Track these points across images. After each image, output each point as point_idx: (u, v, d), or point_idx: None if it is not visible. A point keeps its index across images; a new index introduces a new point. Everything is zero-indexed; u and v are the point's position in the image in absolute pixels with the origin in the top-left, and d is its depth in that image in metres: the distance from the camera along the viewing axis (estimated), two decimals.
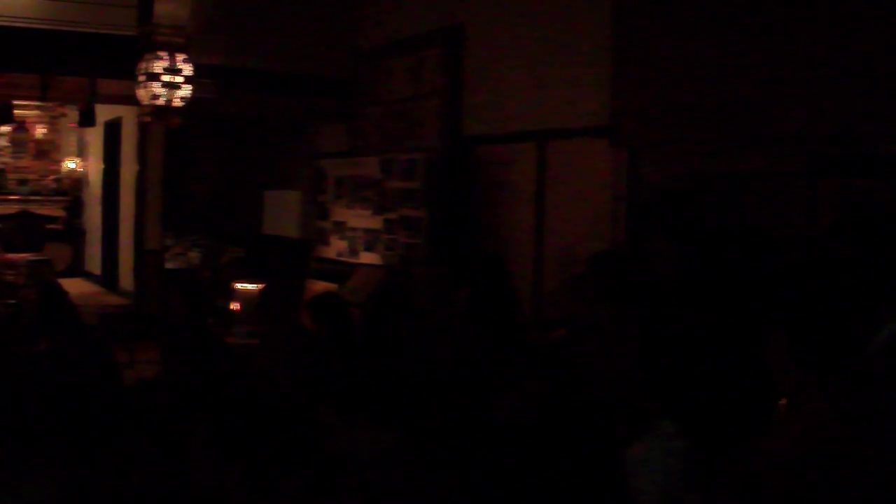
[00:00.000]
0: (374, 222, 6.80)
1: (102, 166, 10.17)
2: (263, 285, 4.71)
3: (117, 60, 6.70)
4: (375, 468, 2.46)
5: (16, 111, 7.81)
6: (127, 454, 2.71)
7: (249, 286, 6.66)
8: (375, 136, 7.41)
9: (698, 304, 4.10)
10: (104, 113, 8.42)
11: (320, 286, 6.57)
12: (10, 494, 2.44)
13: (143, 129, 7.39)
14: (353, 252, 7.01)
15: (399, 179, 6.56)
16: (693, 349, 2.15)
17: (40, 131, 10.99)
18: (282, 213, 8.47)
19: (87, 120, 7.79)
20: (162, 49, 6.50)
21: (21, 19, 6.69)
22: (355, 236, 7.01)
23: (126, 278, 8.67)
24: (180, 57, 6.51)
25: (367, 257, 6.84)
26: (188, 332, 4.36)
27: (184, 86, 6.50)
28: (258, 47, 7.22)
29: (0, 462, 2.51)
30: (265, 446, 2.48)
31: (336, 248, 7.22)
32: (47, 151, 11.07)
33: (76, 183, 11.15)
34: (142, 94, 6.57)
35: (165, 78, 6.41)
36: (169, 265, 7.82)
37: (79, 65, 6.86)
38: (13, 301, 6.76)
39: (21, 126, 10.37)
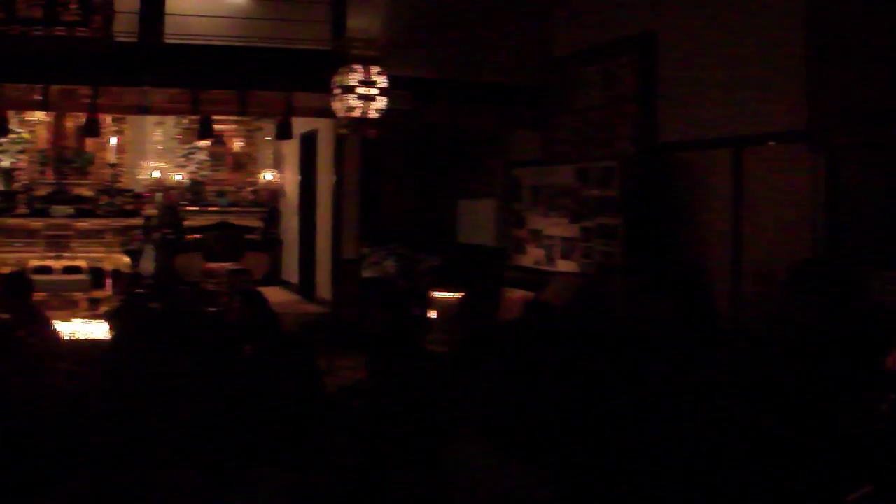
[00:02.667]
0: (571, 230, 9.28)
1: (299, 178, 13.72)
2: (462, 294, 6.66)
3: (313, 74, 9.85)
4: None
5: (214, 126, 11.26)
6: (333, 459, 3.82)
7: (447, 295, 9.46)
8: (569, 143, 10.05)
9: None
10: (300, 125, 11.53)
11: (516, 295, 9.19)
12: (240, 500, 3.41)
13: (340, 141, 10.54)
14: (550, 260, 9.58)
15: (595, 187, 8.96)
16: None
17: (238, 144, 15.06)
18: (477, 222, 11.33)
19: (284, 133, 10.80)
20: (356, 62, 9.46)
21: (219, 38, 10.16)
22: (552, 244, 9.60)
23: (323, 287, 11.87)
24: (374, 69, 9.44)
25: (563, 265, 9.32)
26: (388, 340, 5.71)
27: (378, 97, 9.42)
28: (451, 58, 10.12)
29: (226, 468, 3.58)
30: None
31: (533, 256, 9.88)
32: (245, 164, 15.13)
33: (273, 194, 15.05)
34: (337, 106, 9.56)
35: (360, 90, 9.37)
36: (366, 274, 10.83)
37: (275, 80, 10.18)
38: (215, 309, 9.98)
39: (219, 140, 14.22)
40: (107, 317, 6.42)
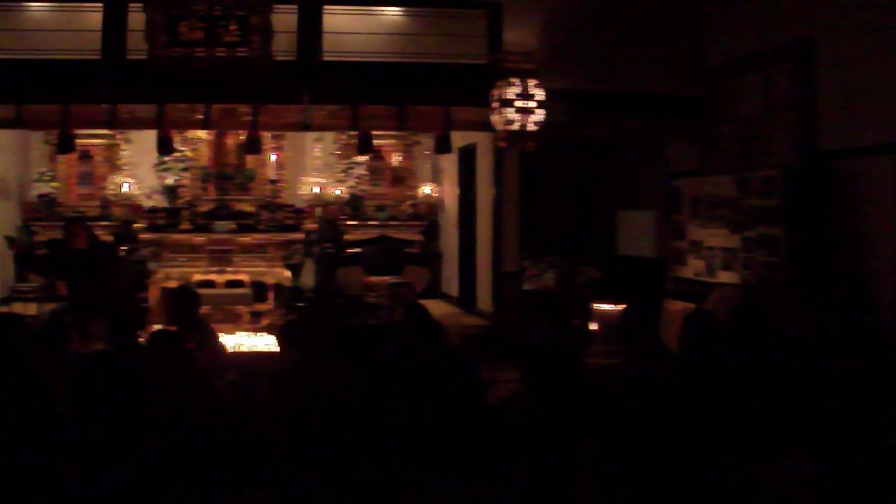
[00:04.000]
0: (732, 241, 10.49)
1: (458, 191, 15.40)
2: (625, 306, 7.30)
3: (470, 88, 11.52)
4: None
5: (373, 140, 12.74)
6: (503, 470, 4.25)
7: (608, 307, 10.80)
8: (728, 153, 11.36)
9: None
10: (458, 139, 13.08)
11: (677, 307, 10.41)
12: None
13: (498, 154, 11.99)
14: (711, 271, 10.85)
15: (756, 197, 10.12)
16: None
17: (396, 159, 17.01)
18: (636, 234, 12.69)
19: (442, 147, 12.40)
20: (513, 75, 11.07)
21: (377, 54, 11.87)
22: (712, 255, 10.86)
23: (483, 299, 13.37)
24: (532, 82, 11.05)
25: (725, 277, 10.54)
26: (549, 352, 6.33)
27: (537, 110, 11.01)
28: (607, 69, 11.61)
29: (405, 480, 4.05)
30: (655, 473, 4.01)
31: (693, 267, 11.20)
32: (403, 178, 17.04)
33: (432, 208, 16.88)
34: (496, 119, 11.21)
35: (518, 103, 10.98)
36: (526, 287, 12.23)
37: (433, 94, 11.81)
38: (375, 322, 11.54)
39: (378, 154, 16.08)
40: (280, 333, 7.21)
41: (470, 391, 5.55)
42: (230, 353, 9.56)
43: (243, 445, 5.28)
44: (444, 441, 4.39)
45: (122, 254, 14.54)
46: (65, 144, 12.51)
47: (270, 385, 6.30)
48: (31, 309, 13.03)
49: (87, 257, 11.29)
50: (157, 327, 8.50)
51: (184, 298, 8.63)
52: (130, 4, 11.60)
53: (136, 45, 11.53)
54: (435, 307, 10.58)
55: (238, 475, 4.97)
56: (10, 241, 15.76)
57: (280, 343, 7.15)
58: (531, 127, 11.18)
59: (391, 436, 4.76)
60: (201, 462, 4.93)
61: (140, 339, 7.66)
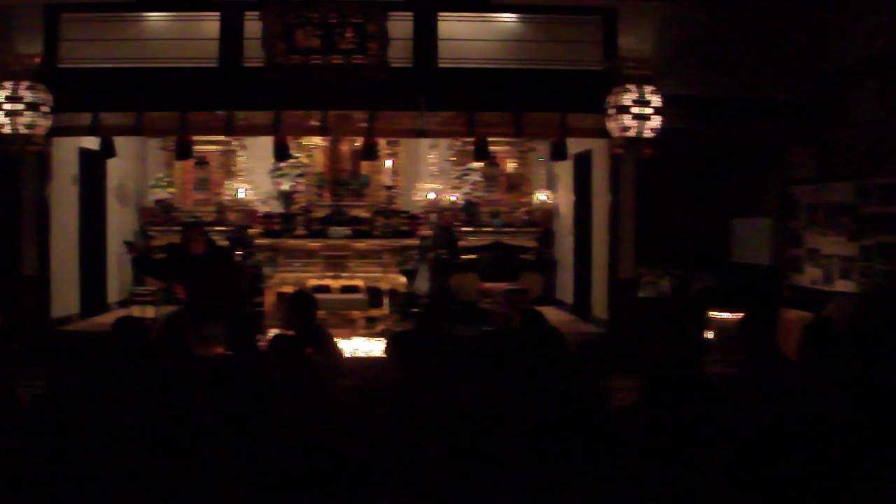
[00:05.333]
0: (850, 249, 10.75)
1: (573, 198, 15.83)
2: (742, 315, 7.78)
3: (586, 95, 11.89)
4: None
5: (490, 147, 13.25)
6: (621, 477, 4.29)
7: (724, 315, 11.04)
8: (846, 159, 11.53)
9: None
10: (574, 146, 13.37)
11: (794, 315, 10.62)
12: None
13: (615, 161, 12.31)
14: (829, 280, 11.13)
15: (875, 204, 10.39)
16: None
17: (511, 165, 17.54)
18: (751, 241, 13.00)
19: (558, 154, 12.75)
20: (629, 82, 11.44)
21: (492, 61, 12.34)
22: (830, 263, 11.13)
23: (599, 307, 13.69)
24: (648, 88, 11.39)
25: (842, 285, 10.80)
26: (666, 360, 6.17)
27: (653, 117, 11.35)
28: (723, 74, 11.93)
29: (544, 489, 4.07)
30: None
31: (810, 275, 11.49)
32: (518, 185, 17.56)
33: (547, 214, 17.33)
34: (612, 126, 11.56)
35: (635, 110, 11.33)
36: (642, 294, 12.53)
37: (549, 101, 12.24)
38: (490, 328, 11.67)
39: (493, 161, 16.49)
40: (395, 341, 7.32)
41: (590, 398, 5.73)
42: (346, 358, 9.80)
43: (365, 451, 5.25)
44: (567, 448, 4.42)
45: (238, 259, 15.21)
46: (183, 151, 13.20)
47: (395, 391, 6.33)
48: (149, 312, 13.74)
49: (205, 262, 11.81)
50: (274, 332, 8.74)
51: (302, 303, 8.93)
52: (247, 13, 12.26)
53: (253, 52, 12.21)
54: (550, 314, 10.88)
55: (360, 481, 4.94)
56: (129, 245, 16.62)
57: (394, 350, 7.32)
58: (647, 133, 11.50)
59: (521, 442, 4.71)
60: (323, 467, 4.90)
61: (258, 344, 7.94)
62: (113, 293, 16.24)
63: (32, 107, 11.60)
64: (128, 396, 5.48)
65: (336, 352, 8.66)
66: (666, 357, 6.89)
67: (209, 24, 12.38)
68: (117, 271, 16.57)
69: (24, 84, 11.61)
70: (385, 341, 7.79)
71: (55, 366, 7.68)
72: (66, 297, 13.88)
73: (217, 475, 4.94)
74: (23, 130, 11.64)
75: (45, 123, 11.83)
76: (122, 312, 12.50)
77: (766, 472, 4.36)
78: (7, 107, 11.55)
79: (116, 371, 6.02)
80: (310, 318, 8.72)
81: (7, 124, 11.59)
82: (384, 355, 7.76)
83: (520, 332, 7.89)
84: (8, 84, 11.60)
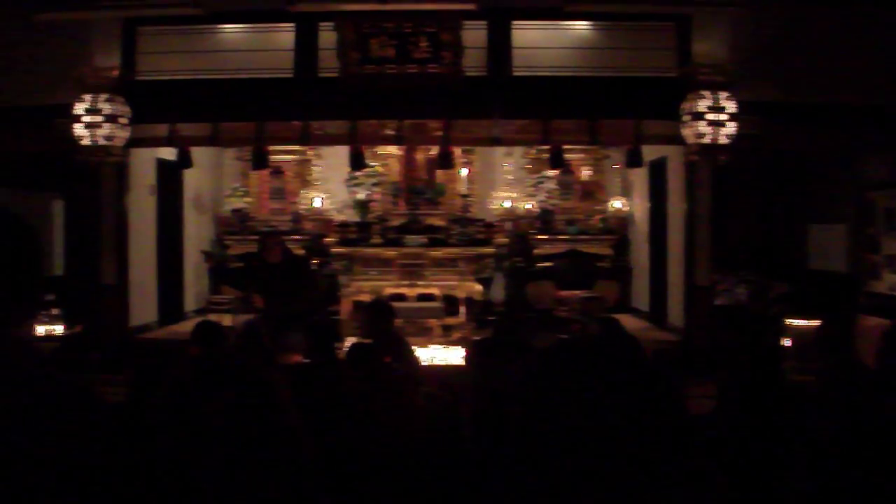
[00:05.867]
0: None
1: (648, 205, 15.95)
2: (819, 322, 7.19)
3: (660, 102, 12.00)
4: None
5: (565, 155, 13.58)
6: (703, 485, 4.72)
7: (801, 322, 11.09)
8: None
9: None
10: (648, 153, 13.58)
11: (872, 322, 10.49)
12: None
13: (690, 168, 12.34)
14: None
15: None
16: None
17: (585, 173, 17.69)
18: (828, 247, 13.01)
19: (633, 161, 12.97)
20: (704, 88, 11.55)
21: (566, 69, 12.49)
22: None
23: (675, 314, 13.76)
24: (723, 94, 11.52)
25: None
26: (744, 368, 6.45)
27: (728, 123, 11.46)
28: (799, 80, 11.98)
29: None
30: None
31: (888, 282, 11.53)
32: (593, 192, 17.71)
33: (622, 222, 17.46)
34: (687, 133, 11.69)
35: (710, 116, 11.45)
36: (718, 301, 12.59)
37: (624, 108, 12.37)
38: (565, 336, 11.93)
39: (567, 169, 16.64)
40: (475, 349, 7.46)
41: (671, 407, 5.56)
42: (423, 366, 9.89)
43: (445, 459, 5.46)
44: (647, 458, 4.48)
45: (314, 267, 15.42)
46: (259, 161, 13.51)
47: (477, 400, 6.44)
48: (226, 320, 13.99)
49: (282, 271, 11.92)
50: (351, 340, 8.81)
51: (380, 312, 9.00)
52: (322, 23, 12.55)
53: (328, 62, 12.49)
54: (625, 322, 10.92)
55: (441, 485, 5.19)
56: (206, 254, 16.97)
57: (476, 358, 7.44)
58: (723, 140, 11.60)
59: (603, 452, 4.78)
60: (403, 473, 5.20)
61: (336, 352, 8.02)
62: (190, 302, 16.62)
63: (111, 119, 12.02)
64: (222, 403, 5.56)
65: (414, 360, 8.74)
66: (743, 365, 6.92)
67: (284, 34, 12.70)
68: (194, 280, 16.97)
69: (103, 96, 12.03)
70: (464, 349, 7.82)
71: (134, 373, 7.91)
72: (144, 305, 14.25)
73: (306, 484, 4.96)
74: (102, 142, 12.07)
75: (123, 135, 12.24)
76: (199, 320, 12.81)
77: (845, 480, 4.39)
78: (86, 119, 11.98)
79: (210, 377, 6.12)
80: (387, 327, 8.82)
81: (86, 136, 12.01)
82: (463, 363, 7.71)
83: (597, 340, 7.83)
84: (87, 97, 12.01)
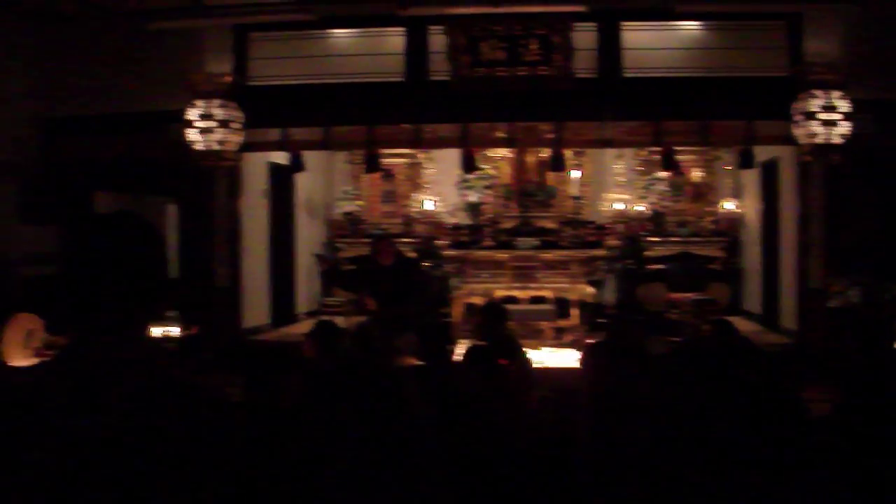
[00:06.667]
0: None
1: (760, 206, 15.97)
2: None
3: (772, 102, 12.10)
4: None
5: (677, 157, 13.89)
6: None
7: None
8: None
9: None
10: (760, 153, 13.59)
11: None
12: None
13: (803, 169, 12.39)
14: None
15: None
16: None
17: (696, 174, 17.78)
18: None
19: (746, 162, 13.09)
20: (816, 87, 11.64)
21: (677, 69, 12.63)
22: None
23: (787, 317, 13.76)
24: (836, 94, 11.60)
25: None
26: (860, 371, 6.65)
27: (841, 123, 11.53)
28: None
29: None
30: None
31: None
32: (704, 194, 17.82)
33: (733, 223, 17.50)
34: (799, 133, 11.79)
35: (822, 116, 11.54)
36: (832, 303, 12.55)
37: (736, 109, 12.44)
38: (677, 339, 11.93)
39: (678, 170, 16.77)
40: (591, 352, 7.31)
41: (790, 409, 5.64)
42: (536, 369, 9.82)
43: (561, 462, 5.38)
44: (765, 463, 4.22)
45: (426, 270, 15.71)
46: (372, 164, 13.89)
47: (595, 404, 6.20)
48: (339, 322, 14.32)
49: (394, 274, 12.22)
50: (464, 343, 8.83)
51: (494, 314, 9.14)
52: (431, 27, 12.88)
53: (439, 66, 12.82)
54: (737, 324, 10.97)
55: (557, 491, 5.17)
56: (319, 258, 17.40)
57: (590, 362, 7.37)
58: (836, 140, 11.68)
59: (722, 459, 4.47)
60: (520, 478, 5.20)
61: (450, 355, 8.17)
62: (302, 304, 17.08)
63: (224, 124, 12.49)
64: (356, 404, 5.63)
65: (528, 363, 8.74)
66: (860, 368, 7.12)
67: (394, 38, 13.07)
68: (306, 282, 17.45)
69: (216, 102, 12.50)
70: (577, 352, 7.86)
71: (247, 374, 8.20)
72: (256, 307, 14.70)
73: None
74: (215, 147, 12.56)
75: (236, 139, 12.71)
76: (310, 323, 13.11)
77: None
78: (200, 124, 12.47)
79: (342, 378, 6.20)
80: (501, 329, 8.93)
81: (200, 141, 12.51)
82: (576, 366, 7.79)
83: (711, 342, 7.89)
84: (200, 102, 12.50)
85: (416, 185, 18.08)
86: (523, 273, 14.82)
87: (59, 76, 13.52)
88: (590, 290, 14.87)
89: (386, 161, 16.07)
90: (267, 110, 13.02)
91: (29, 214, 12.56)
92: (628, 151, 17.47)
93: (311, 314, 16.49)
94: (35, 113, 13.54)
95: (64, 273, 2.59)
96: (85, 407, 2.32)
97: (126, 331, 2.53)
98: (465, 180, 16.64)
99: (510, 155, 17.29)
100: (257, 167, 14.90)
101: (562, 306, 14.44)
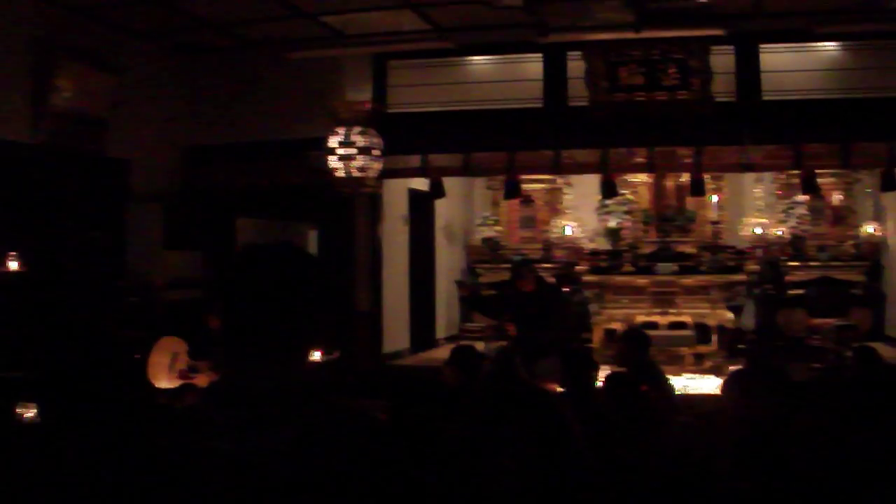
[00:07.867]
0: None
1: None
2: None
3: None
4: None
5: (817, 180, 13.60)
6: None
7: None
8: None
9: None
10: None
11: None
12: None
13: None
14: None
15: None
16: None
17: (836, 197, 17.66)
18: None
19: (888, 184, 12.86)
20: None
21: (817, 91, 12.63)
22: None
23: None
24: None
25: None
26: None
27: None
28: None
29: None
30: None
31: None
32: (844, 217, 17.68)
33: (874, 247, 17.28)
34: None
35: None
36: None
37: (877, 130, 12.34)
38: (819, 365, 12.05)
39: (819, 193, 16.47)
40: (733, 380, 7.28)
41: None
42: (677, 395, 9.96)
43: (701, 489, 5.36)
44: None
45: (566, 295, 15.81)
46: (512, 190, 14.08)
47: (740, 432, 6.09)
48: (479, 347, 14.46)
49: (535, 299, 12.22)
50: (607, 369, 8.85)
51: (636, 341, 9.32)
52: (570, 53, 13.09)
53: (577, 91, 13.03)
54: (880, 350, 10.84)
55: None
56: (460, 284, 17.57)
57: (732, 389, 7.37)
58: None
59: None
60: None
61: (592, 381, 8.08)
62: (441, 329, 17.40)
63: (364, 151, 12.57)
64: (516, 427, 5.65)
65: (669, 389, 8.93)
66: None
67: (532, 65, 13.36)
68: (445, 307, 17.73)
69: (356, 129, 12.63)
70: (717, 379, 7.84)
71: (391, 399, 8.35)
72: (397, 332, 15.04)
73: None
74: (356, 174, 12.69)
75: (376, 166, 12.83)
76: (450, 347, 13.25)
77: None
78: (340, 151, 12.55)
79: (501, 402, 6.22)
80: (643, 356, 9.04)
81: (340, 168, 12.63)
82: (716, 393, 7.80)
83: (854, 370, 8.03)
84: (340, 129, 12.64)
85: (556, 210, 18.29)
86: (663, 298, 14.83)
87: (201, 105, 14.06)
88: (729, 315, 14.79)
89: (525, 186, 16.20)
90: (406, 137, 13.28)
91: (173, 241, 12.94)
92: (767, 175, 17.40)
93: (450, 339, 16.70)
94: (179, 141, 13.99)
95: (224, 301, 2.56)
96: (253, 432, 2.37)
97: (294, 359, 2.58)
98: (605, 205, 16.72)
99: (649, 180, 17.33)
100: (397, 193, 15.24)
101: (701, 332, 14.38)
